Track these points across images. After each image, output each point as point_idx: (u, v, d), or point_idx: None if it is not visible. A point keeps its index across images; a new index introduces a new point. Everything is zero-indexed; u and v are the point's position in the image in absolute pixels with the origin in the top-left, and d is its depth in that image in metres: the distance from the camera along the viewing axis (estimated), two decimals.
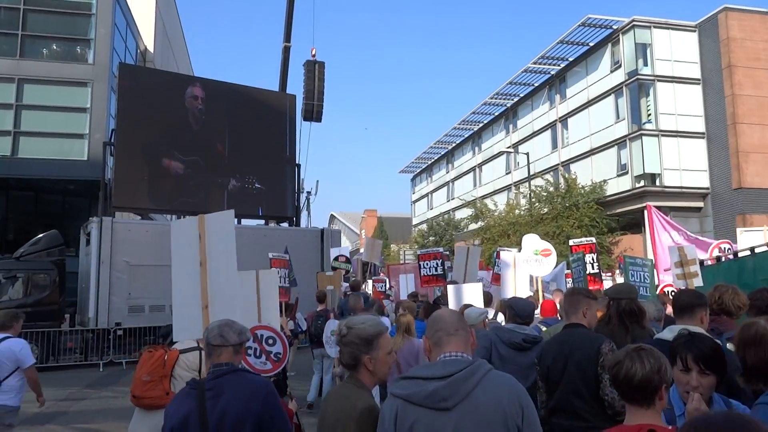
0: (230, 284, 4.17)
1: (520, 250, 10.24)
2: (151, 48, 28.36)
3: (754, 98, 26.88)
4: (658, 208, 26.99)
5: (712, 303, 4.06)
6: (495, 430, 2.12)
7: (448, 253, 13.96)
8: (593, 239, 11.18)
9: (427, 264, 12.13)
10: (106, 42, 21.59)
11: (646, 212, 27.54)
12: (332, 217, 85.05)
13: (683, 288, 6.24)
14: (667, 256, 11.83)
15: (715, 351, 2.49)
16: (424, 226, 53.49)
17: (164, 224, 20.98)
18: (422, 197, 61.27)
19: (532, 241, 9.69)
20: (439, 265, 11.50)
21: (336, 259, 15.81)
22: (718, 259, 8.81)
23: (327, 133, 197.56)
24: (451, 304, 6.79)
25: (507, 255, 10.34)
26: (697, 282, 6.51)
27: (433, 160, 57.69)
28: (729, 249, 11.63)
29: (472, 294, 7.00)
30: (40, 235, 15.94)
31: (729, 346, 3.46)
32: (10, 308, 6.90)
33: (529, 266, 9.33)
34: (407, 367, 5.44)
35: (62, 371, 13.98)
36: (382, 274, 21.49)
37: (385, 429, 2.19)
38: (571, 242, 10.84)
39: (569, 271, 10.06)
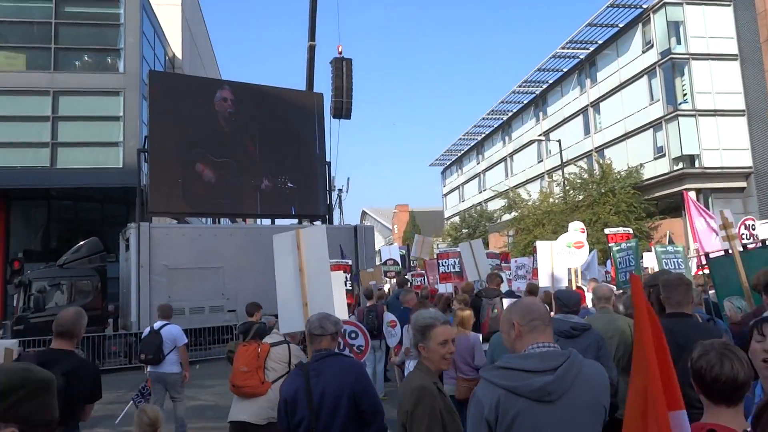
0: (324, 285, 4.97)
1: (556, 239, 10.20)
2: (179, 54, 28.74)
3: None
4: (699, 190, 26.53)
5: (756, 284, 4.10)
6: (592, 418, 2.28)
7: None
8: (630, 229, 11.00)
9: (445, 262, 12.90)
10: (136, 51, 21.94)
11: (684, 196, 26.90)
12: (364, 213, 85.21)
13: (728, 249, 6.37)
14: (704, 240, 11.55)
15: None
16: (457, 219, 53.16)
17: (200, 227, 21.27)
18: (453, 190, 60.89)
19: (566, 234, 9.77)
20: (457, 263, 12.06)
21: (385, 263, 17.04)
22: (763, 242, 8.55)
23: (355, 129, 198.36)
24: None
25: (543, 247, 10.33)
26: (738, 246, 6.55)
27: (462, 152, 57.25)
28: (753, 225, 11.68)
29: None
30: (81, 243, 16.31)
31: None
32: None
33: (562, 258, 9.40)
34: (461, 360, 5.65)
35: (107, 375, 14.22)
36: (418, 268, 21.42)
37: (485, 415, 2.27)
38: (606, 231, 10.68)
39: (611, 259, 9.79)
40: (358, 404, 3.36)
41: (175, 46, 28.52)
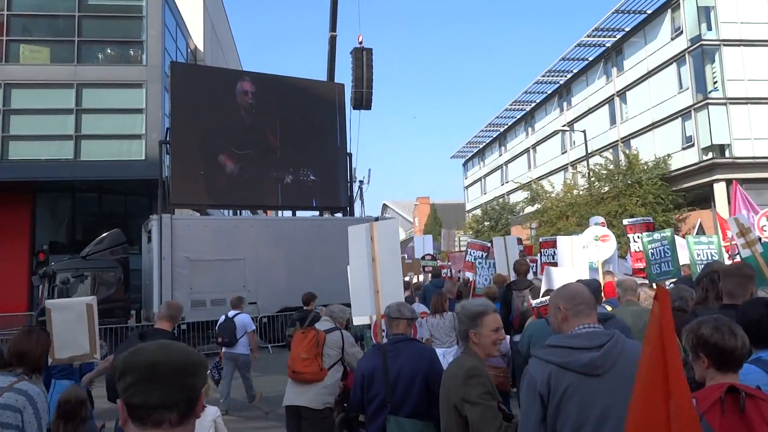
0: (395, 274, 5.38)
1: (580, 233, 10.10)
2: (200, 46, 28.78)
3: None
4: (728, 181, 25.72)
5: None
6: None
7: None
8: (650, 218, 10.77)
9: (472, 252, 13.57)
10: (158, 43, 21.97)
11: (717, 186, 26.17)
12: (384, 206, 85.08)
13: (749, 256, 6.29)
14: (756, 231, 11.26)
15: None
16: (479, 212, 52.69)
17: (221, 219, 21.30)
18: (475, 182, 60.36)
19: (592, 227, 9.80)
20: (484, 256, 12.58)
21: (423, 258, 17.50)
22: None
23: (376, 121, 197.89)
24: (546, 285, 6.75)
25: (564, 242, 10.44)
26: (760, 248, 6.47)
27: (485, 144, 56.66)
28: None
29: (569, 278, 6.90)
30: (104, 234, 16.41)
31: None
32: None
33: (589, 251, 9.34)
34: None
35: None
36: (438, 261, 21.22)
37: (537, 389, 2.46)
38: (625, 222, 10.45)
39: (638, 249, 9.46)
40: (431, 386, 3.57)
41: (197, 38, 28.57)
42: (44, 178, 20.76)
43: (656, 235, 8.31)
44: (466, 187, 63.41)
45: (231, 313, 9.36)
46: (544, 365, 2.49)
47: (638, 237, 9.10)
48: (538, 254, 15.39)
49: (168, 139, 18.70)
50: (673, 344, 1.65)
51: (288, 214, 21.84)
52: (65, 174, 20.89)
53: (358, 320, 6.01)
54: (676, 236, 11.38)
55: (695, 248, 8.56)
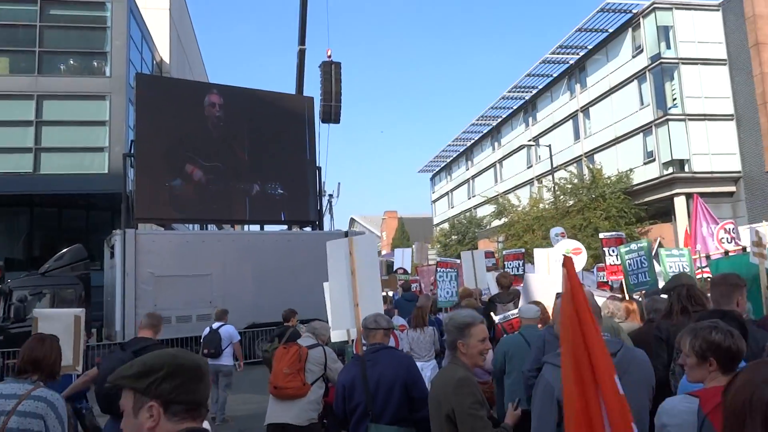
0: (374, 287, 5.45)
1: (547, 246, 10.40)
2: (166, 59, 28.37)
3: None
4: (688, 195, 26.47)
5: None
6: (644, 395, 2.77)
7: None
8: (623, 233, 11.14)
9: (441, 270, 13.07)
10: (122, 54, 21.56)
11: (677, 200, 26.91)
12: (352, 220, 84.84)
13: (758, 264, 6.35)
14: (712, 243, 11.58)
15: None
16: (446, 226, 53.00)
17: (187, 233, 20.87)
18: (442, 196, 60.78)
19: (564, 241, 10.26)
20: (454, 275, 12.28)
21: (395, 271, 18.10)
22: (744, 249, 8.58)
23: (343, 136, 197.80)
24: (523, 299, 7.01)
25: (540, 254, 10.77)
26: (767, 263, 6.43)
27: (451, 158, 57.19)
28: (733, 228, 11.68)
29: (547, 288, 7.05)
30: (64, 250, 15.87)
31: None
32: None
33: (559, 265, 9.42)
34: None
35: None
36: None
37: (555, 395, 2.54)
38: (601, 235, 10.79)
39: (616, 263, 9.65)
40: (410, 392, 3.73)
41: (163, 50, 28.15)
42: (1, 192, 20.03)
43: (633, 246, 8.44)
44: (434, 201, 63.79)
45: (215, 325, 9.61)
46: (556, 370, 2.52)
47: (613, 250, 9.23)
48: (502, 267, 15.63)
49: (132, 151, 18.28)
50: (585, 309, 2.00)
51: (256, 228, 21.55)
52: (23, 188, 20.21)
53: (336, 335, 6.03)
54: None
55: (667, 261, 8.71)
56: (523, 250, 18.29)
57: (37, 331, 4.96)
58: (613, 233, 10.26)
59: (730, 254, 10.01)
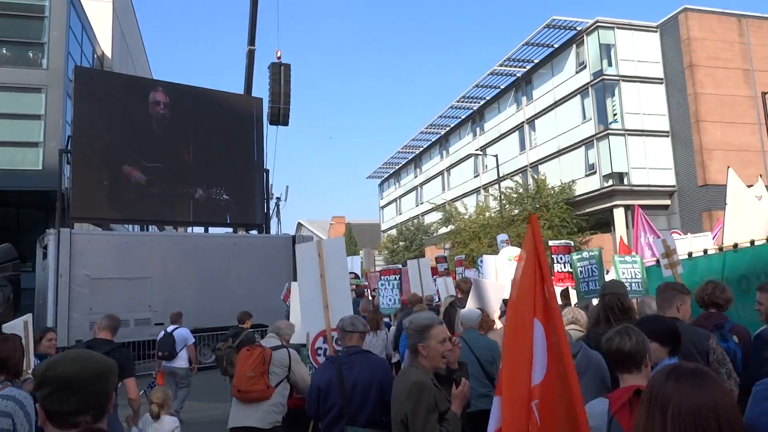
0: (343, 289, 5.58)
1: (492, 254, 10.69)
2: (108, 53, 27.31)
3: (715, 96, 27.40)
4: (627, 206, 27.52)
5: (704, 296, 4.32)
6: (601, 388, 3.12)
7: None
8: (571, 242, 11.51)
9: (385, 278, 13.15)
10: (61, 46, 20.59)
11: (617, 211, 27.89)
12: (299, 225, 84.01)
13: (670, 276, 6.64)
14: (648, 252, 12.01)
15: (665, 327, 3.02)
16: (394, 232, 53.21)
17: (127, 234, 20.07)
18: (391, 202, 61.02)
19: (506, 248, 10.49)
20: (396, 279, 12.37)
21: None
22: (690, 254, 8.91)
23: (291, 139, 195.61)
24: (471, 301, 7.04)
25: (489, 261, 11.02)
26: (680, 269, 6.84)
27: (400, 165, 57.51)
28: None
29: (495, 293, 7.27)
30: None
31: (735, 339, 3.98)
32: None
33: (505, 271, 9.90)
34: None
35: None
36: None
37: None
38: (550, 243, 11.04)
39: (563, 270, 9.85)
40: (385, 395, 3.69)
41: (105, 44, 27.10)
42: None
43: (585, 254, 8.57)
44: (382, 208, 63.95)
45: (170, 328, 9.70)
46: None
47: (561, 258, 9.39)
48: (453, 272, 15.84)
49: (69, 147, 17.46)
50: (544, 266, 2.18)
51: (199, 230, 20.95)
52: None
53: (294, 337, 5.95)
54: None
55: (620, 267, 8.89)
56: (463, 256, 18.65)
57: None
58: (562, 241, 10.51)
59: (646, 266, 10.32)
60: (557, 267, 10.84)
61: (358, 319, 4.25)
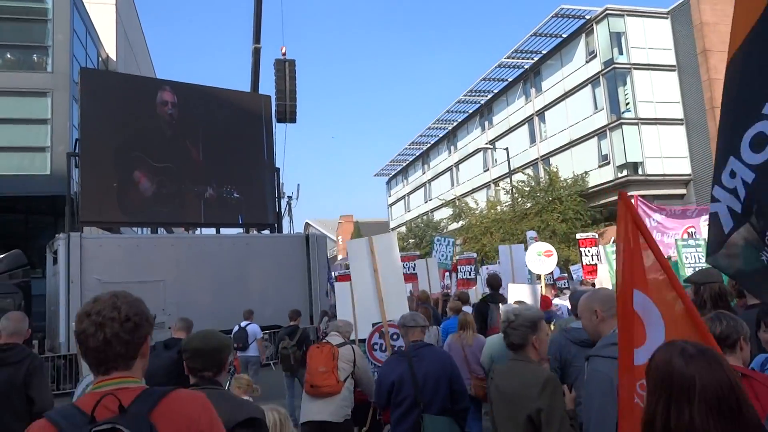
0: (397, 283, 5.78)
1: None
2: (113, 55, 27.08)
3: None
4: (642, 197, 27.00)
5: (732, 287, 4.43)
6: (605, 389, 2.76)
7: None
8: (596, 234, 11.44)
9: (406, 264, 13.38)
10: (65, 49, 20.35)
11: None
12: (307, 225, 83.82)
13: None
14: (658, 235, 11.69)
15: None
16: (403, 229, 52.85)
17: (138, 237, 19.80)
18: (399, 200, 60.67)
19: (536, 244, 10.66)
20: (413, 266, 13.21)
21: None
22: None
23: (297, 137, 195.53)
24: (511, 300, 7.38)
25: (503, 250, 11.45)
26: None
27: (408, 162, 57.15)
28: (694, 232, 11.84)
29: (527, 294, 7.62)
30: (2, 256, 14.71)
31: None
32: None
33: (533, 265, 10.10)
34: (474, 360, 6.17)
35: None
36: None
37: (615, 384, 2.38)
38: (578, 236, 11.03)
39: (591, 263, 9.60)
40: (453, 384, 4.08)
41: (109, 46, 26.86)
42: None
43: (691, 241, 8.35)
44: (390, 205, 63.61)
45: (243, 323, 11.12)
46: (612, 362, 2.49)
47: (588, 251, 9.17)
48: (453, 272, 15.61)
49: (77, 151, 17.18)
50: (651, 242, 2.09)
51: (211, 231, 20.66)
52: None
53: (333, 340, 5.91)
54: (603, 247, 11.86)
55: (684, 251, 8.65)
56: (474, 255, 18.37)
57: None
58: (589, 234, 10.44)
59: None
60: (585, 260, 10.59)
61: (417, 314, 4.53)
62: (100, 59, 25.62)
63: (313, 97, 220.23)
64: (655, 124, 28.34)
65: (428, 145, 51.59)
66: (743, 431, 1.47)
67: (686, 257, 7.96)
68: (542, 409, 2.88)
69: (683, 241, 8.29)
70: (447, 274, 16.04)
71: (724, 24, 27.38)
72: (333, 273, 18.03)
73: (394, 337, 6.00)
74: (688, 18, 27.96)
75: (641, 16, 29.17)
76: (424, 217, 50.04)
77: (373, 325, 6.56)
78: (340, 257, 52.41)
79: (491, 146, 36.43)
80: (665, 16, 29.35)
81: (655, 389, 1.58)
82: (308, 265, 18.07)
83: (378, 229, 67.21)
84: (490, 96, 40.21)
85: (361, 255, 5.78)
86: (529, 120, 36.08)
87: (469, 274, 14.33)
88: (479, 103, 41.57)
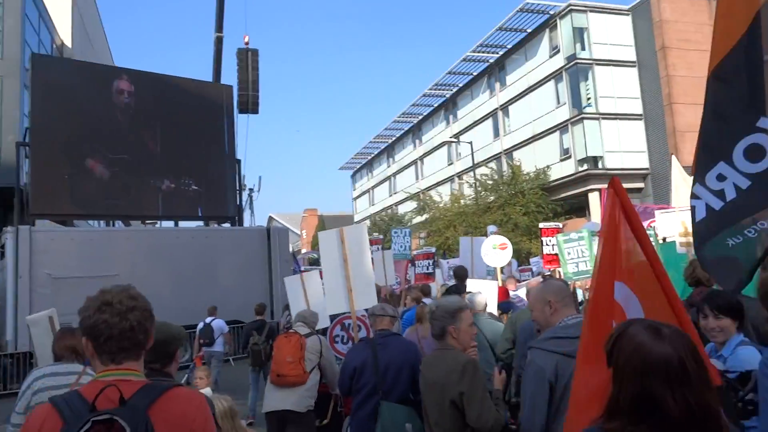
0: (366, 274, 5.87)
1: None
2: (68, 42, 26.12)
3: (687, 78, 27.41)
4: (601, 190, 27.46)
5: (688, 276, 4.63)
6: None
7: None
8: (560, 224, 11.52)
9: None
10: (16, 34, 19.54)
11: (592, 196, 27.85)
12: (271, 218, 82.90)
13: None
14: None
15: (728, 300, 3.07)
16: (367, 223, 52.75)
17: (91, 230, 19.17)
18: (363, 193, 60.51)
19: (491, 237, 10.88)
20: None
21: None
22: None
23: (260, 129, 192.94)
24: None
25: (464, 242, 11.91)
26: (691, 250, 6.64)
27: (373, 155, 56.97)
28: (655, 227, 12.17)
29: (488, 289, 7.55)
30: None
31: None
32: None
33: (489, 258, 10.19)
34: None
35: None
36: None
37: (547, 377, 2.68)
38: (541, 225, 11.11)
39: (552, 253, 9.63)
40: (415, 375, 3.87)
41: (64, 33, 25.89)
42: None
43: (573, 235, 8.43)
44: (355, 199, 63.41)
45: (208, 319, 11.24)
46: (551, 356, 2.72)
47: (550, 240, 9.19)
48: (412, 266, 15.68)
49: (27, 141, 16.50)
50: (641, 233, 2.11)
51: (169, 224, 20.13)
52: None
53: (301, 330, 5.98)
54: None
55: (565, 246, 8.68)
56: (433, 249, 18.47)
57: (31, 338, 5.75)
58: (551, 224, 10.50)
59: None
60: (546, 249, 10.68)
61: (387, 305, 4.68)
62: (54, 46, 24.69)
63: (277, 90, 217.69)
64: (615, 119, 28.83)
65: (393, 138, 51.51)
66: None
67: (568, 252, 8.12)
68: (463, 392, 3.05)
69: (564, 236, 8.45)
70: (410, 265, 16.07)
71: (683, 22, 28.03)
72: (298, 267, 17.84)
73: (360, 327, 6.10)
74: (649, 15, 28.47)
75: (603, 12, 29.59)
76: (389, 211, 50.03)
77: (332, 318, 6.60)
78: (303, 251, 51.94)
79: (455, 140, 36.56)
80: (626, 12, 29.83)
81: (632, 371, 1.53)
82: (269, 258, 17.78)
83: (342, 223, 66.75)
84: (455, 90, 40.31)
85: (331, 246, 5.87)
86: (493, 114, 36.31)
87: (428, 269, 14.49)
88: (444, 96, 41.64)
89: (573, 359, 2.45)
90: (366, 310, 5.63)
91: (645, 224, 11.86)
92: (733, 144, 2.21)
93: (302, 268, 16.67)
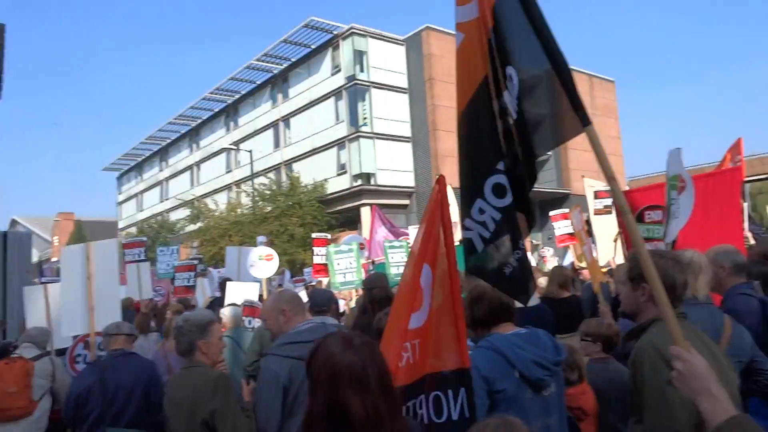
0: (112, 293, 5.45)
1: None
2: None
3: (449, 109, 30.64)
4: (372, 205, 29.13)
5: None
6: None
7: None
8: (329, 235, 11.91)
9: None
10: None
11: (364, 210, 29.39)
12: (14, 222, 71.60)
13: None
14: (378, 248, 12.83)
15: None
16: (134, 230, 48.59)
17: None
18: (131, 198, 55.76)
19: (258, 248, 10.83)
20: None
21: None
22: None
23: (9, 122, 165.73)
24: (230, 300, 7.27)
25: (231, 252, 11.63)
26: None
27: (144, 158, 52.85)
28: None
29: (250, 292, 7.61)
30: None
31: None
32: None
33: (255, 269, 10.14)
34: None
35: None
36: None
37: (282, 382, 2.79)
38: (314, 235, 11.42)
39: (321, 263, 9.84)
40: (149, 396, 3.81)
41: None
42: None
43: (344, 247, 8.87)
44: (120, 203, 58.10)
45: None
46: (285, 360, 2.83)
47: (320, 250, 9.51)
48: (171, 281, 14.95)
49: None
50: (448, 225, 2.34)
51: None
52: None
53: (25, 354, 5.36)
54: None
55: (335, 257, 9.11)
56: (195, 261, 17.84)
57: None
58: (322, 234, 10.87)
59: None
60: (316, 259, 10.89)
61: (123, 323, 4.36)
62: None
63: (36, 79, 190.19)
64: (387, 139, 30.92)
65: (168, 141, 48.44)
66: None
67: (392, 257, 8.77)
68: (216, 410, 2.94)
69: (389, 243, 9.10)
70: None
71: (448, 57, 31.29)
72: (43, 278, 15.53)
73: (101, 347, 5.52)
74: (420, 47, 31.24)
75: (381, 39, 31.68)
76: (159, 218, 46.80)
77: (74, 337, 5.99)
78: (54, 259, 45.78)
79: (235, 147, 35.75)
80: (401, 43, 32.34)
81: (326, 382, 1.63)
82: (4, 268, 15.14)
83: (104, 229, 60.49)
84: (237, 96, 39.47)
85: (74, 261, 5.42)
86: (274, 125, 36.34)
87: (188, 281, 13.70)
88: (226, 102, 40.51)
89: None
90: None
91: (401, 238, 12.85)
92: (482, 182, 2.41)
93: (43, 279, 14.56)
